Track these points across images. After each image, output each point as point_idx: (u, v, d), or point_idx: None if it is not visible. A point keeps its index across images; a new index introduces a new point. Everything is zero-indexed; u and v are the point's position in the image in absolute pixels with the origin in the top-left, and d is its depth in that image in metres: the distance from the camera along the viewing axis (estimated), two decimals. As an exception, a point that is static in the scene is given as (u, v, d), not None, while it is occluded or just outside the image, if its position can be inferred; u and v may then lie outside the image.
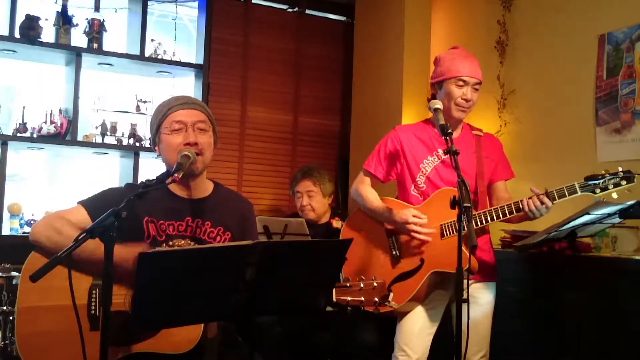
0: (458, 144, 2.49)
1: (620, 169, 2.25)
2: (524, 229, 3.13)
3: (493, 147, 2.63)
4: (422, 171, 2.52)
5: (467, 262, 2.33)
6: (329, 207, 3.65)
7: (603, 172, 2.25)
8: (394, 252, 2.48)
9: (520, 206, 2.31)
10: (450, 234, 2.38)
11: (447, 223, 2.39)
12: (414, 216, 2.38)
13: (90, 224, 1.79)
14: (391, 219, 2.45)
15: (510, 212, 2.34)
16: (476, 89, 2.47)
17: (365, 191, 2.58)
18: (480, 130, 2.65)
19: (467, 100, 2.44)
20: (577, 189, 2.26)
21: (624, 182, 2.23)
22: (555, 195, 2.28)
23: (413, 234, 2.38)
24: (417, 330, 2.47)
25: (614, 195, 2.24)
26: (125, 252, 1.82)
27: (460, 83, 2.44)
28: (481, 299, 2.49)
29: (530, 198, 2.29)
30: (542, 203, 2.27)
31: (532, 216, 2.31)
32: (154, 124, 2.09)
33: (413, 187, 2.53)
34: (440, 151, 2.51)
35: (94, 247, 1.73)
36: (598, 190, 2.24)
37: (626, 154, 3.26)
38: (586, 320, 2.72)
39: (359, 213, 2.64)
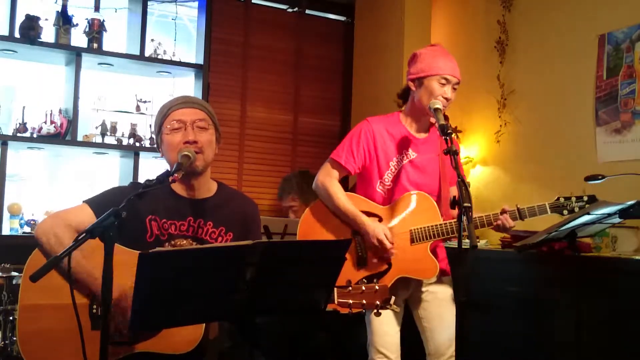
0: (424, 145, 2.50)
1: (584, 195, 2.35)
2: (524, 229, 3.13)
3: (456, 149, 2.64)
4: (392, 169, 2.47)
5: (435, 272, 2.36)
6: None
7: (570, 195, 2.36)
8: (359, 253, 2.41)
9: (492, 221, 2.35)
10: (420, 240, 2.37)
11: (418, 228, 2.38)
12: (385, 236, 2.33)
13: None
14: (361, 228, 2.39)
15: (482, 225, 2.37)
16: (455, 89, 2.45)
17: (334, 188, 2.45)
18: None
19: (447, 99, 2.41)
20: (548, 209, 2.34)
21: (587, 206, 2.33)
22: (527, 214, 2.34)
23: (382, 248, 2.35)
24: (389, 331, 2.45)
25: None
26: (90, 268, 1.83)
27: (443, 81, 2.40)
28: (440, 293, 2.49)
29: (502, 215, 2.33)
30: (509, 221, 2.34)
31: (499, 230, 2.40)
32: (156, 125, 2.10)
33: (379, 183, 2.48)
34: (410, 151, 2.48)
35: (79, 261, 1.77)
36: (565, 212, 2.34)
37: (626, 154, 3.26)
38: (586, 320, 2.72)
39: (322, 204, 2.51)
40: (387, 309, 1.88)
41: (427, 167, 2.49)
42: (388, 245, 2.33)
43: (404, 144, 2.49)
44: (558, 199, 2.34)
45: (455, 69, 2.44)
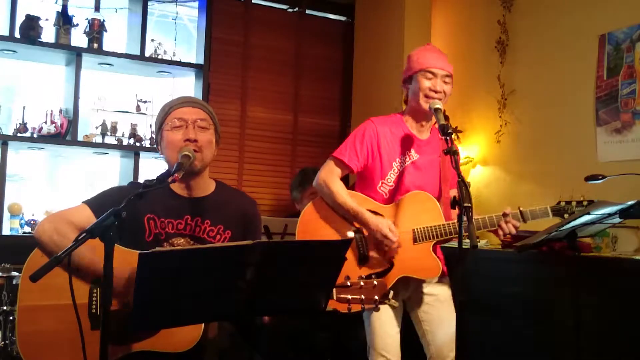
0: (426, 146, 2.50)
1: (584, 200, 2.35)
2: (524, 229, 3.13)
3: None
4: (394, 169, 2.46)
5: (438, 271, 2.35)
6: None
7: (571, 199, 2.35)
8: (361, 251, 2.40)
9: (496, 223, 2.35)
10: (423, 240, 2.36)
11: (420, 228, 2.37)
12: (390, 230, 2.31)
13: None
14: (365, 224, 2.37)
15: (485, 226, 2.36)
16: (446, 82, 2.43)
17: (336, 185, 2.43)
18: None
19: (435, 92, 2.40)
20: (550, 212, 2.34)
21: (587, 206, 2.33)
22: (529, 216, 2.34)
23: (385, 245, 2.33)
24: (390, 332, 2.44)
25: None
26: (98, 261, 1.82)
27: (429, 75, 2.41)
28: (440, 295, 2.48)
29: (506, 222, 2.33)
30: (515, 227, 2.34)
31: (502, 237, 2.40)
32: (157, 122, 2.11)
33: (381, 183, 2.46)
34: (413, 152, 2.47)
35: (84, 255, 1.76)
36: (566, 215, 2.34)
37: (626, 154, 3.26)
38: (586, 320, 2.72)
39: (323, 201, 2.50)
40: (386, 304, 1.87)
41: (428, 169, 2.49)
42: (393, 238, 2.30)
43: (407, 145, 2.49)
44: (559, 202, 2.34)
45: (440, 60, 2.43)
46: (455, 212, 2.45)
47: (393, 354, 2.43)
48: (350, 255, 2.38)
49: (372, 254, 2.38)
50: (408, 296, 2.50)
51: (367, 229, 2.38)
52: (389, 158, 2.46)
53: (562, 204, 2.34)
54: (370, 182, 2.49)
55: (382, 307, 2.42)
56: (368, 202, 2.46)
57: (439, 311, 2.45)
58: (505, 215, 2.32)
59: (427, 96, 2.41)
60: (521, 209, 2.33)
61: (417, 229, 2.37)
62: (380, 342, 2.43)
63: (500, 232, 2.36)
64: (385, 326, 2.43)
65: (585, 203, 2.34)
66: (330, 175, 2.47)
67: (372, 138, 2.48)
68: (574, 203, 2.33)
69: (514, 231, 2.33)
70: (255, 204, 2.23)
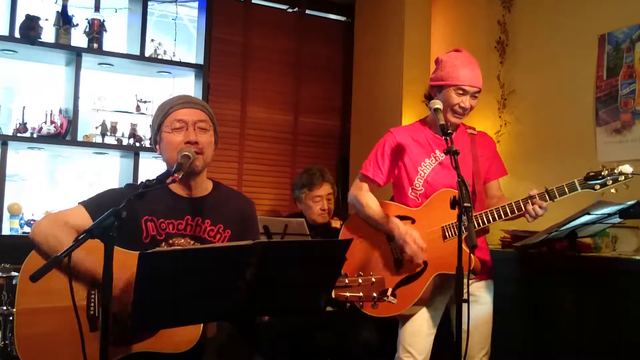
0: (455, 144, 2.49)
1: (615, 168, 2.28)
2: (524, 229, 3.13)
3: (487, 146, 2.63)
4: (420, 174, 2.49)
5: (469, 263, 2.34)
6: None
7: (602, 168, 2.28)
8: (395, 256, 2.46)
9: (522, 207, 2.31)
10: (452, 235, 2.38)
11: (449, 225, 2.39)
12: (414, 239, 2.35)
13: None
14: (392, 231, 2.41)
15: (512, 212, 2.34)
16: (475, 97, 2.44)
17: (365, 198, 2.52)
18: (474, 129, 2.64)
19: (464, 109, 2.42)
20: (578, 186, 2.28)
21: (621, 178, 2.26)
22: (556, 193, 2.29)
23: (408, 250, 2.36)
24: (420, 331, 2.46)
25: (612, 191, 2.28)
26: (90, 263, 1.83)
27: (460, 92, 2.40)
28: (482, 298, 2.49)
29: (532, 203, 2.29)
30: (541, 207, 2.29)
31: (531, 219, 2.33)
32: (155, 122, 2.09)
33: (411, 190, 2.50)
34: (438, 152, 2.50)
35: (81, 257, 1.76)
36: (598, 187, 2.27)
37: (626, 154, 3.26)
38: (586, 320, 2.72)
39: (358, 216, 2.59)
40: (384, 300, 1.87)
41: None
42: (414, 247, 2.34)
43: (431, 147, 2.51)
44: (588, 173, 2.29)
45: (474, 78, 2.41)
46: (490, 201, 2.49)
47: (420, 352, 2.45)
48: (386, 262, 2.47)
49: (406, 257, 2.41)
50: (450, 298, 2.49)
51: (394, 236, 2.43)
52: (413, 164, 2.50)
53: (592, 174, 2.27)
54: (401, 190, 2.55)
55: (418, 310, 2.45)
56: (398, 208, 2.50)
57: (475, 312, 2.41)
58: (531, 197, 2.30)
59: (454, 111, 2.43)
60: (547, 187, 2.30)
61: (445, 225, 2.39)
62: (408, 338, 2.47)
63: (527, 216, 2.32)
64: (416, 323, 2.46)
65: (617, 171, 2.25)
66: (359, 191, 2.56)
67: (392, 148, 2.53)
68: (605, 172, 2.26)
69: (540, 212, 2.28)
70: (253, 204, 2.24)
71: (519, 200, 2.34)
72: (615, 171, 2.26)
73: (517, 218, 2.43)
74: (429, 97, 2.58)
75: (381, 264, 2.47)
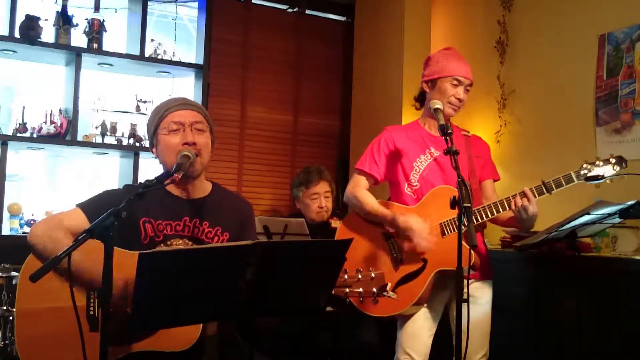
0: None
1: (611, 157, 2.33)
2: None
3: (482, 147, 2.68)
4: (416, 169, 2.51)
5: (469, 258, 2.35)
6: None
7: (597, 159, 2.34)
8: (394, 254, 2.45)
9: (512, 200, 2.34)
10: (451, 231, 2.38)
11: (447, 221, 2.40)
12: (419, 223, 2.34)
13: None
14: (394, 224, 2.40)
15: (503, 208, 2.37)
16: (467, 90, 2.51)
17: (363, 194, 2.51)
18: (468, 131, 2.68)
19: (459, 100, 2.48)
20: (574, 177, 2.32)
21: (616, 167, 2.31)
22: (553, 185, 2.32)
23: (417, 242, 2.35)
24: (419, 332, 2.46)
25: (608, 182, 2.33)
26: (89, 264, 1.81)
27: (455, 82, 2.46)
28: (481, 298, 2.49)
29: (521, 197, 2.32)
30: (529, 200, 2.31)
31: (519, 217, 2.34)
32: (151, 125, 2.08)
33: (407, 185, 2.52)
34: (432, 149, 2.52)
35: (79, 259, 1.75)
36: (592, 169, 2.32)
37: (626, 154, 3.21)
38: (586, 320, 2.72)
39: (354, 215, 2.58)
40: (384, 296, 1.87)
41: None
42: (425, 231, 2.32)
43: (425, 144, 2.54)
44: (583, 165, 2.34)
45: (467, 70, 2.49)
46: (485, 201, 2.50)
47: (419, 354, 2.45)
48: (385, 260, 2.46)
49: (405, 255, 2.41)
50: (449, 298, 2.49)
51: (398, 228, 2.40)
52: (408, 159, 2.52)
53: (587, 165, 2.33)
54: (397, 187, 2.55)
55: (418, 309, 2.45)
56: (395, 206, 2.50)
57: (474, 312, 2.41)
58: (521, 193, 2.33)
59: (450, 102, 2.47)
60: (544, 180, 2.32)
61: (443, 222, 2.40)
62: (407, 340, 2.46)
63: (514, 208, 2.33)
64: (416, 325, 2.46)
65: (612, 160, 2.31)
66: (356, 188, 2.55)
67: (388, 144, 2.54)
68: (598, 162, 2.32)
69: (526, 204, 2.29)
70: (251, 207, 2.24)
71: (509, 197, 2.36)
72: (611, 160, 2.31)
73: (508, 226, 2.45)
74: (420, 100, 2.65)
75: (380, 262, 2.47)
